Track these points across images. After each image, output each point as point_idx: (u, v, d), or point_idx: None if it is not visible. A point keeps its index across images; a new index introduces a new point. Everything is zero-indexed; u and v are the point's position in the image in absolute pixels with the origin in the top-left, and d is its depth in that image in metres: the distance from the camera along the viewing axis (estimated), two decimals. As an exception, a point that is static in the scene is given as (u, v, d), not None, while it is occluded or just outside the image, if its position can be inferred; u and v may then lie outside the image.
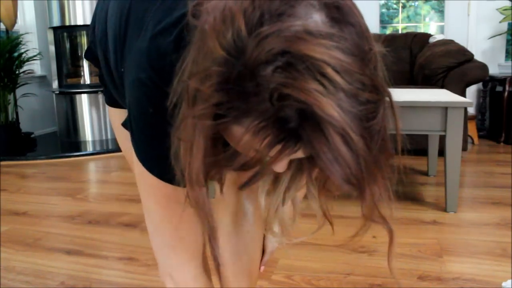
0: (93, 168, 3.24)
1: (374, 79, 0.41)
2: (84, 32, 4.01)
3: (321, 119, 0.38)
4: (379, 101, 0.42)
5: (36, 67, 4.43)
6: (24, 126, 4.17)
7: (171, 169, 0.49)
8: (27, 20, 4.39)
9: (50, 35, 4.09)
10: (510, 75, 3.61)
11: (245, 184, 0.49)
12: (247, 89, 0.40)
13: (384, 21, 4.40)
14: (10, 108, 3.79)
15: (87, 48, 0.86)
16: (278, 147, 0.41)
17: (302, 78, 0.38)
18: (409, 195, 2.33)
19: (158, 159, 0.59)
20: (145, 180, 0.63)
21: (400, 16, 4.38)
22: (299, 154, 0.44)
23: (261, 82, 0.39)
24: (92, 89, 4.01)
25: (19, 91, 4.00)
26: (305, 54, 0.39)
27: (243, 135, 0.42)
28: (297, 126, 0.40)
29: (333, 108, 0.38)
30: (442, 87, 3.10)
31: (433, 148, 2.66)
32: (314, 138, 0.39)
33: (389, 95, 0.45)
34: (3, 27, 3.89)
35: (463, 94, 3.02)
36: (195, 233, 0.68)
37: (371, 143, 0.41)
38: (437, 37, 3.64)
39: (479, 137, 3.79)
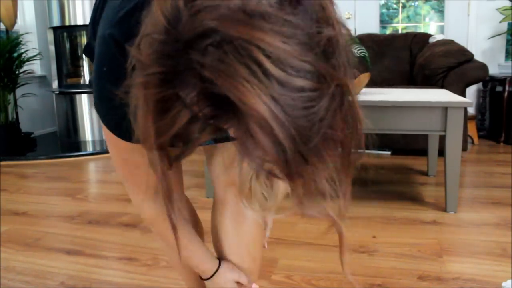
0: (93, 168, 3.24)
1: (317, 65, 0.38)
2: (84, 32, 4.01)
3: (240, 106, 0.37)
4: (321, 89, 0.39)
5: (36, 67, 4.43)
6: (24, 126, 4.17)
7: (118, 126, 0.50)
8: (27, 20, 4.39)
9: (50, 35, 4.09)
10: (510, 75, 3.61)
11: (176, 157, 0.48)
12: (179, 62, 0.38)
13: (384, 21, 4.40)
14: (10, 108, 3.79)
15: (86, 44, 0.86)
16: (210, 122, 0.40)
17: (228, 62, 0.36)
18: (409, 195, 2.33)
19: (109, 115, 0.66)
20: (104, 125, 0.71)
21: (400, 16, 4.38)
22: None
23: (191, 57, 0.38)
24: (92, 89, 4.00)
25: (19, 91, 4.00)
26: (233, 35, 0.36)
27: (180, 105, 0.41)
28: (223, 108, 0.38)
29: (255, 96, 0.36)
30: (442, 87, 3.10)
31: (433, 148, 2.66)
32: (234, 125, 0.38)
33: (342, 82, 0.41)
34: (3, 27, 3.89)
35: (463, 94, 3.02)
36: (145, 174, 0.77)
37: (309, 132, 0.38)
38: (437, 37, 3.64)
39: (479, 137, 3.79)
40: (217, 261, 0.92)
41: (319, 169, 0.41)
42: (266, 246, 1.02)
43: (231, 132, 0.41)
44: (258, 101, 0.36)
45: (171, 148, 0.47)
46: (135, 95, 0.43)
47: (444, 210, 2.10)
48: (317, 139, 0.39)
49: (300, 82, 0.37)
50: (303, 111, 0.38)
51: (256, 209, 0.74)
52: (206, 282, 0.92)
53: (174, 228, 0.51)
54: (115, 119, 0.62)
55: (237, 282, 0.93)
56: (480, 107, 3.92)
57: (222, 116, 0.39)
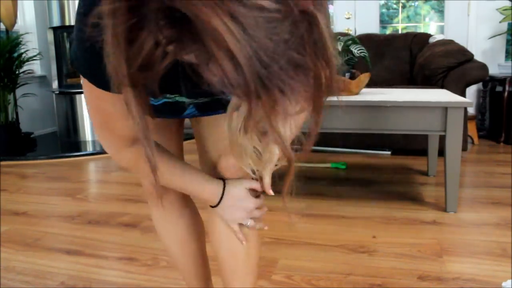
0: (93, 168, 3.24)
1: None
2: (84, 32, 4.01)
3: (197, 23, 0.37)
4: (283, 11, 0.38)
5: (36, 67, 4.43)
6: (24, 126, 4.17)
7: (94, 74, 0.51)
8: (27, 20, 4.39)
9: (50, 35, 4.09)
10: (510, 75, 3.61)
11: (149, 93, 0.48)
12: None
13: (384, 21, 4.40)
14: (10, 108, 3.79)
15: None
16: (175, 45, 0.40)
17: None
18: (409, 195, 2.34)
19: (85, 62, 0.66)
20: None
21: (400, 16, 4.38)
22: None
23: None
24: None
25: (19, 91, 4.00)
26: None
27: (146, 31, 0.41)
28: (185, 30, 0.38)
29: (212, 12, 0.36)
30: (442, 87, 3.10)
31: (433, 148, 2.66)
32: (196, 46, 0.39)
33: (308, 10, 0.40)
34: (3, 27, 3.89)
35: (463, 94, 3.02)
36: (120, 124, 0.76)
37: (273, 53, 0.38)
38: (437, 37, 3.64)
39: (479, 137, 3.79)
40: (221, 180, 0.87)
41: (284, 94, 0.41)
42: (270, 193, 0.98)
43: (192, 58, 0.41)
44: (215, 17, 0.36)
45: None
46: (105, 25, 0.43)
47: (444, 210, 2.10)
48: (283, 62, 0.39)
49: (260, 1, 0.37)
50: (265, 31, 0.38)
51: (249, 165, 0.71)
52: (218, 209, 0.87)
53: (154, 169, 0.51)
54: (88, 64, 0.64)
55: (251, 190, 0.87)
56: (480, 107, 3.92)
57: (184, 38, 0.39)
